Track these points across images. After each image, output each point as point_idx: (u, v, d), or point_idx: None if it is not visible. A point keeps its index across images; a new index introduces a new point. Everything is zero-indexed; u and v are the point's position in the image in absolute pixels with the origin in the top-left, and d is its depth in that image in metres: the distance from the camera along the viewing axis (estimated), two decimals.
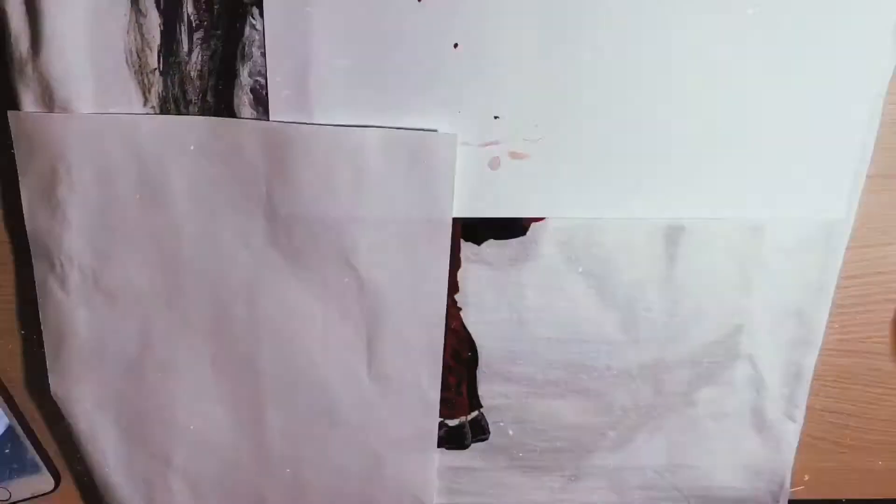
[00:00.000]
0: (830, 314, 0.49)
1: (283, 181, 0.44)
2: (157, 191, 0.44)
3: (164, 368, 0.48)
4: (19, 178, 0.43)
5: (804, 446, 0.54)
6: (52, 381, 0.48)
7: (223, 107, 0.43)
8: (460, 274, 0.48)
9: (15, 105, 0.42)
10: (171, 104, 0.43)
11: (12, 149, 0.43)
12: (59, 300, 0.46)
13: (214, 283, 0.46)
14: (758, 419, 0.52)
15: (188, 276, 0.46)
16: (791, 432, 0.53)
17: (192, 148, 0.43)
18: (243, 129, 0.43)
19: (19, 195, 0.45)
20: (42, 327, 0.47)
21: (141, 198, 0.44)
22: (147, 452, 0.51)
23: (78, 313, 0.46)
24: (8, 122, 0.43)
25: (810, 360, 0.51)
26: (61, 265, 0.45)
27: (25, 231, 0.46)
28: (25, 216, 0.44)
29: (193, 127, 0.43)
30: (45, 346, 0.47)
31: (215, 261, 0.46)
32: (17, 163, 0.43)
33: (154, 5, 0.41)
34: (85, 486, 0.53)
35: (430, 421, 0.51)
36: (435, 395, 0.50)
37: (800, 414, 0.52)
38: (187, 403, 0.49)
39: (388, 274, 0.47)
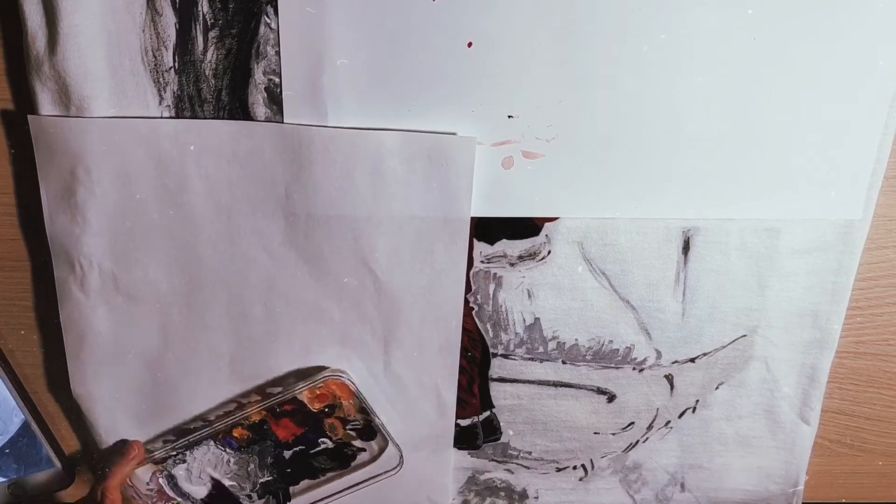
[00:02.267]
0: (846, 316, 0.49)
1: (302, 183, 0.44)
2: (175, 193, 0.44)
3: (183, 367, 0.49)
4: (39, 181, 0.44)
5: (818, 448, 0.54)
6: (73, 380, 0.48)
7: (238, 105, 0.43)
8: (472, 273, 0.48)
9: (30, 104, 0.43)
10: (186, 103, 0.43)
11: (30, 150, 0.43)
12: (79, 301, 0.46)
13: (233, 283, 0.47)
14: (772, 421, 0.52)
15: (207, 277, 0.46)
16: (805, 434, 0.53)
17: (210, 151, 0.44)
18: (262, 131, 0.43)
19: (36, 195, 0.45)
20: (62, 328, 0.47)
21: (160, 200, 0.44)
22: None
23: (97, 314, 0.47)
24: (23, 125, 0.43)
25: (825, 363, 0.50)
26: (81, 267, 0.46)
27: (42, 230, 0.46)
28: (45, 218, 0.45)
29: (212, 130, 0.43)
30: (66, 347, 0.48)
31: (234, 261, 0.46)
32: (37, 166, 0.43)
33: (170, 4, 0.41)
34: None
35: (446, 422, 0.51)
36: (451, 396, 0.50)
37: (814, 416, 0.52)
38: (205, 402, 0.50)
39: (405, 275, 0.47)
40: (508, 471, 0.54)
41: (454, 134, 0.44)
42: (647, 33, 0.42)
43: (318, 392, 0.49)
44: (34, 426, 0.51)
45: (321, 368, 0.49)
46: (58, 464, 0.52)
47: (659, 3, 0.41)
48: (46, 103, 0.42)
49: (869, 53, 0.42)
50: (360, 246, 0.46)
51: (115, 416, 0.49)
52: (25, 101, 0.43)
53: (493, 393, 0.51)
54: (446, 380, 0.50)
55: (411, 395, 0.50)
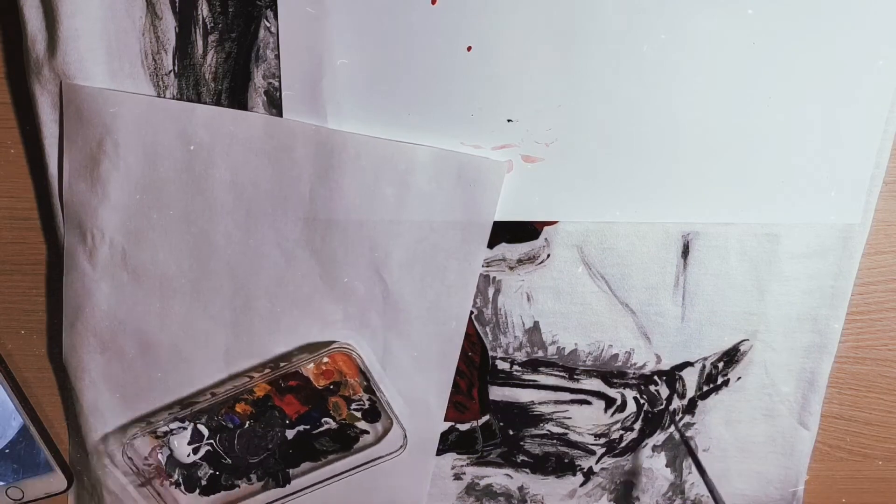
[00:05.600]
0: (845, 321, 0.49)
1: (328, 186, 0.44)
2: (200, 179, 0.44)
3: (177, 353, 0.49)
4: (64, 150, 0.44)
5: (818, 453, 0.53)
6: (65, 348, 0.48)
7: (237, 108, 0.43)
8: None
9: (30, 107, 0.43)
10: None
11: (30, 152, 0.43)
12: (85, 271, 0.46)
13: (241, 276, 0.47)
14: (771, 426, 0.52)
15: (216, 266, 0.46)
16: (804, 439, 0.52)
17: (242, 142, 0.44)
18: (296, 130, 0.43)
19: (37, 197, 0.45)
20: (63, 295, 0.47)
21: (183, 183, 0.44)
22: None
23: (100, 287, 0.47)
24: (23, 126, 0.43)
25: (825, 367, 0.50)
26: (92, 238, 0.45)
27: (42, 232, 0.46)
28: (64, 186, 0.45)
29: (248, 122, 0.43)
30: (64, 315, 0.47)
31: (245, 255, 0.46)
32: (64, 134, 0.43)
33: (169, 8, 0.41)
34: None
35: (432, 433, 0.51)
36: (440, 411, 0.51)
37: (813, 421, 0.52)
38: (194, 389, 0.50)
39: (414, 288, 0.47)
40: (508, 475, 0.54)
41: (486, 157, 0.44)
42: (646, 36, 0.42)
43: (323, 368, 0.48)
44: (32, 430, 0.51)
45: (330, 343, 0.48)
46: (56, 468, 0.52)
47: (658, 7, 0.41)
48: (46, 106, 0.42)
49: (868, 58, 0.42)
50: (375, 254, 0.46)
51: (100, 390, 0.49)
52: (25, 104, 0.44)
53: (491, 397, 0.51)
54: (438, 397, 0.50)
55: (401, 405, 0.50)
